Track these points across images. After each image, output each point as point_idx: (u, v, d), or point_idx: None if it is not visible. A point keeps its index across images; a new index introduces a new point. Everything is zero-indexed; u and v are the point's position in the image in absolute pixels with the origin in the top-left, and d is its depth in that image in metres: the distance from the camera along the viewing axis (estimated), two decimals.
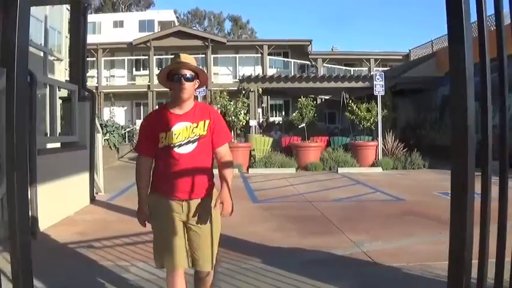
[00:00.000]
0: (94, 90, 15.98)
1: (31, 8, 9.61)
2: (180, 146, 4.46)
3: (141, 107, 45.47)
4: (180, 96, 4.46)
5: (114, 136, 26.40)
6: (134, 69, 45.87)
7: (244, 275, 6.60)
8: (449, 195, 11.05)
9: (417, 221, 10.41)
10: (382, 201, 13.43)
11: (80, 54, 13.59)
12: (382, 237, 8.85)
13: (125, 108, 44.55)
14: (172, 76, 4.48)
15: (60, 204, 10.76)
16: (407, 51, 40.50)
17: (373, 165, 22.30)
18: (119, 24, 51.54)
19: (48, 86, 11.20)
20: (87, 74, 21.69)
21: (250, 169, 22.13)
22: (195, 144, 4.50)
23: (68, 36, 21.17)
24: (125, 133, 34.18)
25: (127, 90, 42.13)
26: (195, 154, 4.50)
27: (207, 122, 4.57)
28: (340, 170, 21.27)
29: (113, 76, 44.89)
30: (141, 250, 7.71)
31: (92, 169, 13.36)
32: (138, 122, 41.62)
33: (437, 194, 14.08)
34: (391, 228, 9.82)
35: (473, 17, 4.09)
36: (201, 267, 4.58)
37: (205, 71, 4.84)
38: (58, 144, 12.42)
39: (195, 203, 4.52)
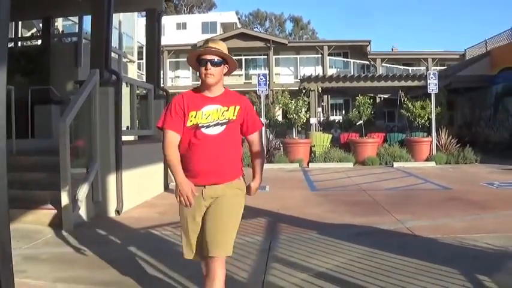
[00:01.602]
0: None
1: None
2: (208, 127, 4.46)
3: None
4: (206, 80, 4.48)
5: None
6: None
7: (303, 242, 7.94)
8: (495, 185, 12.47)
9: (459, 205, 11.46)
10: (430, 190, 14.50)
11: (155, 56, 15.15)
12: (424, 217, 10.05)
13: None
14: (200, 60, 4.51)
15: (139, 189, 12.29)
16: (463, 50, 40.83)
17: (427, 160, 23.10)
18: (182, 26, 52.64)
19: (129, 85, 12.61)
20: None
21: (310, 164, 23.18)
22: (223, 127, 4.49)
23: (138, 40, 22.80)
24: None
25: None
26: (221, 137, 4.48)
27: (237, 107, 4.59)
28: (396, 165, 22.19)
29: (178, 77, 46.06)
30: None
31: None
32: None
33: (483, 184, 14.97)
34: (433, 210, 10.99)
35: None
36: (209, 252, 4.35)
37: (234, 60, 4.69)
38: (135, 138, 13.92)
39: (216, 188, 4.50)
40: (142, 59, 17.87)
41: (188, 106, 4.45)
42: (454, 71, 32.36)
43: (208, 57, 4.41)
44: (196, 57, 4.51)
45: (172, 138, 4.41)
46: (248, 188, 4.70)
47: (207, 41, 4.62)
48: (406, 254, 7.05)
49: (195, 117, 4.42)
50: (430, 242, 7.99)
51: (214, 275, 4.33)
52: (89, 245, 7.98)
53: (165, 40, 45.97)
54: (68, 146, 9.29)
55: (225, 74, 4.63)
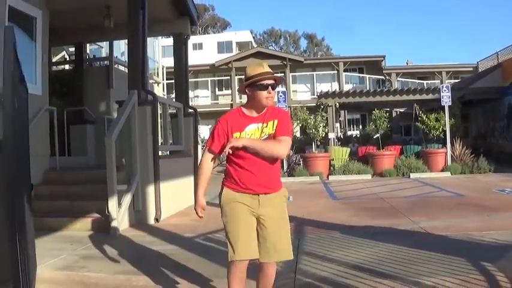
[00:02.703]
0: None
1: None
2: None
3: None
4: (266, 103, 4.79)
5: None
6: (217, 89, 47.45)
7: (328, 240, 8.90)
8: (506, 191, 13.37)
9: (470, 209, 12.26)
10: (444, 196, 15.25)
11: (183, 77, 16.13)
12: (438, 219, 10.91)
13: (209, 126, 46.05)
14: (257, 84, 4.73)
15: (174, 200, 13.18)
16: (476, 63, 41.21)
17: (442, 170, 23.68)
18: (198, 46, 53.23)
19: (161, 104, 13.54)
20: (172, 96, 24.21)
21: (330, 176, 23.89)
22: None
23: (157, 61, 23.81)
24: None
25: (211, 109, 42.83)
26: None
27: (276, 121, 4.81)
28: (412, 176, 22.83)
29: (197, 96, 46.58)
30: None
31: (196, 173, 15.64)
32: None
33: (496, 191, 15.69)
34: (446, 213, 11.81)
35: None
36: (271, 258, 4.79)
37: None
38: (166, 153, 14.85)
39: (267, 197, 4.81)
40: (164, 80, 18.76)
41: (232, 128, 4.78)
42: (467, 84, 32.87)
43: (270, 82, 4.74)
44: (254, 82, 4.73)
45: (209, 158, 4.97)
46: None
47: (261, 64, 4.89)
48: (419, 248, 7.98)
49: (239, 137, 4.77)
50: (441, 238, 8.88)
51: (271, 274, 4.92)
52: (136, 246, 9.04)
53: None
54: (114, 160, 10.33)
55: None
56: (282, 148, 4.80)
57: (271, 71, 4.83)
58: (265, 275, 4.91)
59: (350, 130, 43.96)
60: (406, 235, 9.41)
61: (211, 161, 5.00)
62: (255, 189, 4.77)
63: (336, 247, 8.33)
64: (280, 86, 4.98)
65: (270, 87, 4.71)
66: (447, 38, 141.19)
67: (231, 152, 4.66)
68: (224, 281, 5.98)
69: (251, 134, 4.77)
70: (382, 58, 45.48)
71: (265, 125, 4.80)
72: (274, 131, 4.79)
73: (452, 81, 41.71)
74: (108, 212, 10.21)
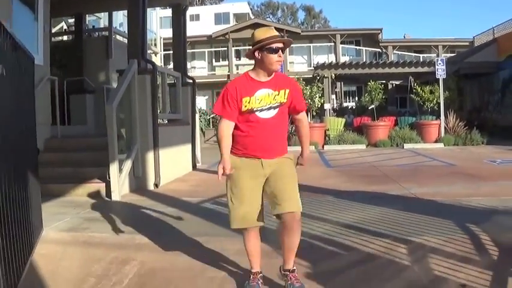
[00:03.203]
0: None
1: None
2: (261, 110, 4.72)
3: None
4: (275, 68, 4.74)
5: (201, 121, 28.51)
6: (214, 60, 47.53)
7: (323, 203, 9.30)
8: (497, 162, 13.74)
9: (460, 177, 12.61)
10: (435, 166, 15.64)
11: (182, 47, 16.42)
12: (428, 186, 11.29)
13: (206, 97, 46.04)
14: (267, 47, 4.64)
15: (172, 167, 13.54)
16: (472, 37, 41.33)
17: (436, 141, 24.10)
18: (195, 18, 52.88)
19: (160, 73, 13.80)
20: (170, 66, 24.41)
21: (325, 146, 24.39)
22: (276, 110, 4.76)
23: (154, 32, 24.02)
24: (210, 119, 36.41)
25: (208, 80, 43.33)
26: (275, 119, 4.76)
27: (287, 91, 4.80)
28: (406, 146, 23.25)
29: (194, 67, 46.46)
30: None
31: (193, 142, 16.17)
32: None
33: (486, 161, 16.07)
34: (437, 181, 12.22)
35: None
36: (287, 209, 4.62)
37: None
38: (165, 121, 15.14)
39: (273, 161, 4.83)
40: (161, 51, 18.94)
41: (241, 93, 4.69)
42: (462, 58, 33.11)
43: (280, 45, 4.67)
44: (264, 45, 4.64)
45: (227, 126, 4.76)
46: (301, 159, 5.24)
47: (270, 28, 4.86)
48: (409, 211, 8.40)
49: (249, 102, 4.69)
50: (430, 203, 9.26)
51: (295, 228, 4.69)
52: (137, 209, 9.42)
53: None
54: (115, 127, 10.66)
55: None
56: (308, 127, 5.28)
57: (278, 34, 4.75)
58: (290, 231, 4.70)
59: (346, 102, 44.04)
60: (397, 199, 9.77)
61: (231, 127, 4.80)
62: (258, 154, 4.79)
63: (329, 210, 8.71)
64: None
65: (280, 50, 4.67)
66: (445, 13, 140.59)
67: None
68: (219, 239, 6.29)
69: (261, 99, 4.73)
70: (379, 31, 45.59)
71: (276, 92, 4.77)
72: (286, 99, 4.81)
73: (449, 55, 41.72)
74: (109, 177, 10.55)
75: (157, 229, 7.80)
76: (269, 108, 4.74)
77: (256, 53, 4.71)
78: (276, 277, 5.15)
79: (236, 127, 4.82)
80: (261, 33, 4.72)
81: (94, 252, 6.43)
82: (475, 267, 5.38)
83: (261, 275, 5.04)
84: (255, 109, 4.71)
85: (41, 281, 5.37)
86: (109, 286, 5.18)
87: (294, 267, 4.89)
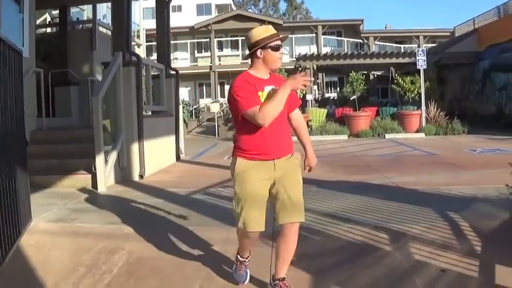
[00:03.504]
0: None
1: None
2: None
3: (204, 87, 47.38)
4: (278, 65, 4.70)
5: (184, 112, 28.61)
6: (196, 51, 47.51)
7: (306, 193, 9.31)
8: (477, 151, 13.95)
9: (441, 166, 12.85)
10: (417, 155, 15.95)
11: (165, 39, 16.50)
12: (409, 175, 11.51)
13: (188, 88, 46.01)
14: (268, 46, 4.58)
15: (157, 158, 13.65)
16: (453, 28, 41.62)
17: (417, 131, 24.47)
18: (177, 8, 52.70)
19: (144, 65, 13.88)
20: (152, 58, 24.46)
21: None
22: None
23: (137, 24, 24.09)
24: (192, 110, 36.50)
25: (190, 72, 43.15)
26: (281, 116, 4.60)
27: None
28: (387, 136, 23.63)
29: (176, 58, 46.34)
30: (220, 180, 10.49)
31: (177, 133, 16.26)
32: (202, 101, 43.61)
33: (467, 150, 16.40)
34: (418, 170, 12.44)
35: None
36: (296, 219, 4.63)
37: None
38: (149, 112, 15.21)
39: (284, 160, 4.65)
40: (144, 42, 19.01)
41: (255, 87, 4.52)
42: (443, 48, 33.50)
43: (280, 42, 4.66)
44: (266, 44, 4.59)
45: (260, 112, 4.38)
46: (308, 160, 5.00)
47: (270, 26, 4.79)
48: (391, 200, 8.61)
49: (261, 97, 4.53)
50: (411, 192, 9.48)
51: (294, 239, 4.68)
52: (124, 200, 9.53)
53: None
54: (101, 118, 10.76)
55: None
56: (305, 124, 5.22)
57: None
58: (288, 242, 4.70)
59: (328, 92, 44.21)
60: (379, 189, 9.98)
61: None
62: (271, 153, 4.60)
63: (312, 199, 8.82)
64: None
65: (281, 48, 4.68)
66: (426, 3, 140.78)
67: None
68: (206, 228, 6.42)
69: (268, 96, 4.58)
70: (361, 22, 45.77)
71: (278, 88, 4.54)
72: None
73: (430, 45, 42.10)
74: (95, 169, 10.65)
75: (144, 219, 7.94)
76: None
77: (258, 52, 4.64)
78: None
79: (246, 131, 4.63)
80: (261, 32, 4.66)
81: (83, 242, 6.55)
82: (455, 253, 5.58)
83: (247, 262, 5.05)
84: None
85: (32, 270, 5.50)
86: (99, 275, 5.31)
87: (285, 276, 4.80)
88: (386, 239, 6.35)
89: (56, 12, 19.39)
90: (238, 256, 5.06)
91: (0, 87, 5.77)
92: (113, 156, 11.31)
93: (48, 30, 20.33)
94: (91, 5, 19.28)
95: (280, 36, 4.65)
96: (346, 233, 6.63)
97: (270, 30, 4.68)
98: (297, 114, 5.01)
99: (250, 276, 5.12)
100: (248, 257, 5.08)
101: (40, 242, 6.57)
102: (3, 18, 10.52)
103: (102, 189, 10.48)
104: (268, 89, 4.58)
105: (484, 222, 6.95)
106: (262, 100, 4.50)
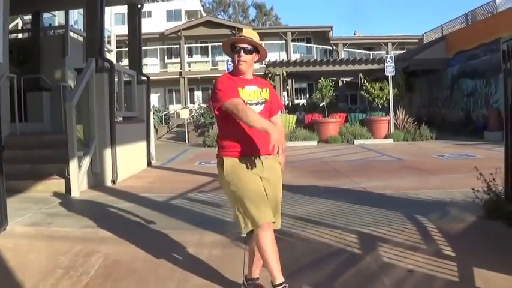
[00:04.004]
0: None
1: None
2: (251, 104, 4.69)
3: (173, 93, 47.42)
4: (239, 66, 4.74)
5: (154, 118, 28.66)
6: (166, 57, 47.52)
7: None
8: (445, 157, 14.24)
9: (409, 171, 13.15)
10: (385, 161, 16.22)
11: (137, 46, 16.65)
12: (377, 180, 11.77)
13: (158, 94, 45.98)
14: (233, 48, 4.77)
15: (129, 164, 13.80)
16: (421, 35, 42.12)
17: (385, 137, 24.76)
18: (147, 14, 52.64)
19: (116, 71, 13.98)
20: (122, 64, 24.52)
21: None
22: (262, 106, 4.79)
23: (108, 30, 24.14)
24: (163, 116, 36.57)
25: (160, 78, 43.16)
26: (262, 114, 4.69)
27: (268, 89, 4.90)
28: (356, 142, 23.84)
29: (146, 64, 46.17)
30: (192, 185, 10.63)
31: (148, 139, 16.38)
32: (171, 107, 43.78)
33: (435, 156, 16.67)
34: (386, 175, 12.70)
35: None
36: (276, 226, 4.76)
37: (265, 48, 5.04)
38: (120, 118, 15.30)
39: (268, 159, 4.69)
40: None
41: (235, 82, 4.68)
42: (411, 55, 33.89)
43: (242, 45, 4.73)
44: (230, 44, 4.82)
45: (240, 100, 4.50)
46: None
47: (241, 30, 5.05)
48: (359, 204, 8.90)
49: (241, 93, 4.64)
50: (379, 196, 9.75)
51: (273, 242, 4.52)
52: (98, 205, 9.68)
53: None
54: (74, 124, 10.88)
55: (256, 61, 4.94)
56: (282, 126, 5.20)
57: (251, 37, 4.78)
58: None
59: (297, 99, 44.47)
60: (348, 193, 10.21)
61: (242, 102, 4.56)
62: (257, 150, 4.65)
63: (283, 203, 8.97)
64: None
65: (242, 50, 4.72)
66: (395, 10, 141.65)
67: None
68: (179, 231, 6.57)
69: (249, 94, 4.74)
70: (330, 29, 46.19)
71: (261, 89, 4.83)
72: (269, 97, 4.86)
73: (398, 52, 42.59)
74: (68, 174, 10.77)
75: (118, 223, 8.07)
76: (257, 103, 4.76)
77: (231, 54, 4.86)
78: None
79: (229, 128, 4.71)
80: (232, 39, 4.87)
81: (59, 246, 6.67)
82: (422, 254, 5.79)
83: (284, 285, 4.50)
84: (245, 101, 4.62)
85: (11, 273, 5.61)
86: (76, 277, 5.44)
87: (258, 276, 4.92)
88: (356, 241, 6.54)
89: (27, 17, 19.44)
90: (246, 278, 4.99)
91: None
92: (86, 162, 11.41)
93: (20, 35, 20.35)
94: (63, 11, 19.33)
95: (245, 39, 4.74)
96: (317, 236, 6.82)
97: (239, 35, 4.85)
98: (277, 118, 5.05)
99: (223, 276, 5.31)
100: (257, 278, 4.95)
101: (17, 246, 6.68)
102: None
103: (75, 194, 10.58)
104: (251, 88, 4.74)
105: (450, 225, 7.19)
106: (242, 95, 4.61)
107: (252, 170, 4.62)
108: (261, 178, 4.64)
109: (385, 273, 5.31)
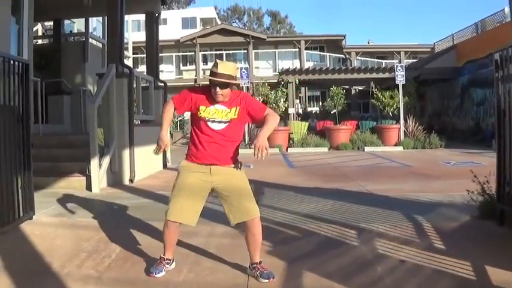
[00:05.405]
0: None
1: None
2: (213, 121, 5.27)
3: None
4: (216, 99, 5.23)
5: None
6: (181, 64, 47.93)
7: (283, 197, 10.23)
8: (451, 163, 14.69)
9: (414, 177, 13.64)
10: (392, 167, 16.64)
11: (154, 53, 17.25)
12: (382, 183, 12.32)
13: None
14: (211, 82, 5.17)
15: (145, 165, 14.33)
16: (433, 44, 42.25)
17: (395, 145, 25.02)
18: (162, 22, 52.97)
19: (135, 77, 14.56)
20: (139, 69, 25.08)
21: (289, 149, 25.15)
22: (226, 124, 5.29)
23: (126, 37, 24.71)
24: (177, 122, 37.05)
25: (175, 84, 41.85)
26: (224, 132, 5.29)
27: (238, 108, 5.30)
28: (367, 149, 24.17)
29: (162, 71, 46.13)
30: None
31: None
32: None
33: (442, 163, 17.10)
34: (391, 179, 13.25)
35: None
36: (243, 218, 5.29)
37: (237, 74, 5.45)
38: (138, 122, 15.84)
39: (219, 168, 5.33)
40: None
41: (200, 100, 5.30)
42: (422, 64, 34.22)
43: (218, 82, 5.12)
44: (209, 79, 5.21)
45: (171, 108, 5.47)
46: (255, 137, 5.12)
47: (216, 63, 5.22)
48: (362, 204, 9.40)
49: (204, 111, 5.27)
50: (382, 198, 10.22)
51: (257, 230, 5.36)
52: (117, 200, 10.18)
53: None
54: (96, 125, 11.49)
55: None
56: (275, 117, 5.41)
57: (227, 72, 5.15)
58: (251, 234, 5.36)
59: (310, 106, 44.54)
60: (352, 194, 10.70)
61: (172, 110, 5.50)
62: (205, 161, 5.30)
63: (289, 202, 9.63)
64: (243, 62, 5.23)
65: (218, 86, 5.14)
66: (408, 19, 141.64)
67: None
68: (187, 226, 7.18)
69: (214, 112, 5.27)
70: (343, 37, 46.30)
71: (228, 110, 5.31)
72: (236, 116, 5.32)
73: (411, 61, 42.68)
74: (89, 172, 11.36)
75: (136, 216, 8.58)
76: (220, 122, 5.29)
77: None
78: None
79: (191, 138, 5.47)
80: (214, 68, 5.22)
81: (83, 233, 7.25)
82: (415, 248, 6.31)
83: (167, 261, 5.58)
84: (206, 118, 5.27)
85: (40, 255, 6.20)
86: (99, 259, 6.01)
87: (261, 260, 5.45)
88: (354, 235, 7.08)
89: (48, 23, 20.11)
90: (161, 255, 5.63)
91: (13, 97, 6.53)
92: (106, 161, 11.96)
93: (39, 41, 21.01)
94: (83, 19, 19.99)
95: (219, 80, 5.12)
96: (318, 229, 7.37)
97: (214, 68, 5.21)
98: (266, 115, 5.38)
99: (231, 261, 5.87)
100: (169, 260, 5.65)
101: (44, 233, 7.25)
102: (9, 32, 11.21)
103: (96, 190, 11.15)
104: (217, 107, 5.30)
105: (444, 223, 7.70)
106: (204, 113, 5.27)
107: (198, 175, 5.35)
108: (213, 185, 5.37)
109: (379, 262, 5.83)
